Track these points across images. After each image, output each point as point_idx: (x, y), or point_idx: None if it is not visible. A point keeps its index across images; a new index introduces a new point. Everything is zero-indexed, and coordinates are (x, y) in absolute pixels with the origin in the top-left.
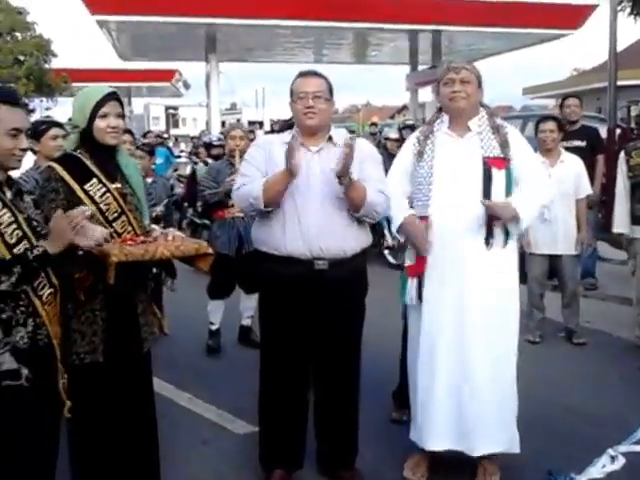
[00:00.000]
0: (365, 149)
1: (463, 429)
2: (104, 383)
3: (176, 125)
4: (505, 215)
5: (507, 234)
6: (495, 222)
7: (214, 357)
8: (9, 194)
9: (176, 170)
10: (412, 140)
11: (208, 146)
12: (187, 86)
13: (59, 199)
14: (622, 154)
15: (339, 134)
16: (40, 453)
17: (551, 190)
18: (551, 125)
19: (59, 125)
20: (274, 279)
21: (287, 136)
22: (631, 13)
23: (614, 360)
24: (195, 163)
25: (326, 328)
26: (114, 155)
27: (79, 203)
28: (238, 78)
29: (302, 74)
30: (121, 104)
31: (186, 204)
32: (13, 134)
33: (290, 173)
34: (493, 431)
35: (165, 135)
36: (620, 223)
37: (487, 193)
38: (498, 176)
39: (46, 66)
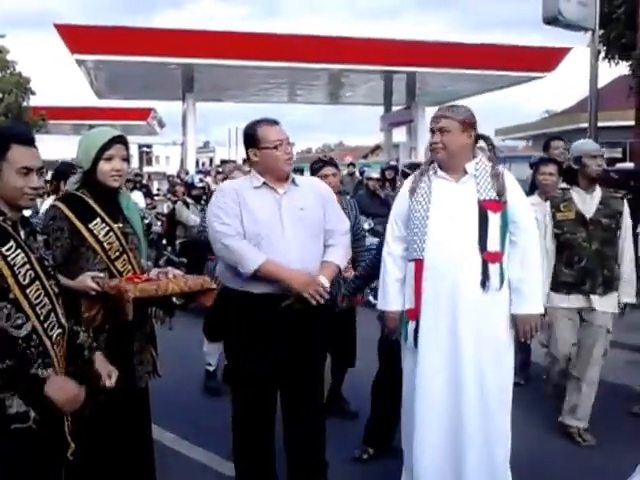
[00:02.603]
0: (323, 191)
1: (457, 472)
2: (102, 422)
3: (149, 163)
4: (533, 324)
5: (502, 276)
6: (491, 264)
7: (199, 397)
8: (23, 234)
9: (154, 208)
10: (407, 185)
11: (189, 187)
12: (162, 125)
13: (63, 237)
14: (548, 207)
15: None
16: None
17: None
18: (552, 168)
19: None
20: (244, 315)
21: (251, 181)
22: (605, 57)
23: (603, 404)
24: (174, 202)
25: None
26: (116, 196)
27: (83, 242)
28: (210, 116)
29: (270, 122)
30: (127, 147)
31: (164, 242)
32: (24, 172)
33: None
34: (487, 473)
35: (139, 173)
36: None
37: (483, 236)
38: (493, 219)
39: (24, 104)
